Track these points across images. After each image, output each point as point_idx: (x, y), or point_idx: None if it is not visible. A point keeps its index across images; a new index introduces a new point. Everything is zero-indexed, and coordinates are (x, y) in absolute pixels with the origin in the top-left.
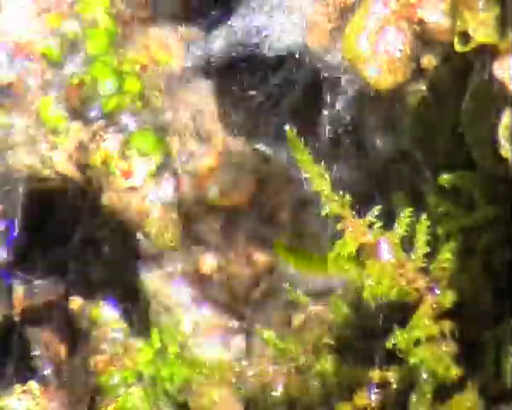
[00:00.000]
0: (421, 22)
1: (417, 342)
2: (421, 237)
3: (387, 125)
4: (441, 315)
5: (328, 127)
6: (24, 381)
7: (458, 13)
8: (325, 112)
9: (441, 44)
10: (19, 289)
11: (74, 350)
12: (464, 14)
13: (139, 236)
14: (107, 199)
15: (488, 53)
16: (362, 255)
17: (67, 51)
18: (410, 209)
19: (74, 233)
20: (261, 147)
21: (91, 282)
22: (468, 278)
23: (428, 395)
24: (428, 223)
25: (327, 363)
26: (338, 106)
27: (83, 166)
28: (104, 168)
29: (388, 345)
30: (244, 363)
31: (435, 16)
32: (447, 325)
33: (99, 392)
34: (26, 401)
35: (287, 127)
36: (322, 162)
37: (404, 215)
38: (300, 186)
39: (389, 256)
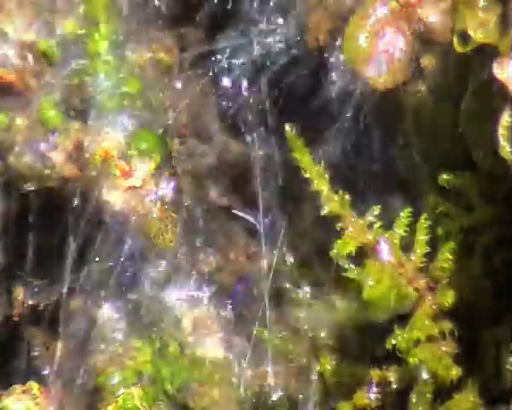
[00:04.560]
0: (420, 22)
1: (417, 342)
2: (421, 237)
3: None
4: (441, 315)
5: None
6: (24, 381)
7: (458, 13)
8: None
9: (441, 44)
10: (19, 289)
11: (74, 350)
12: (464, 14)
13: (139, 236)
14: (106, 199)
15: (488, 53)
16: (362, 255)
17: (68, 51)
18: (410, 209)
19: (74, 233)
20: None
21: (91, 282)
22: (468, 278)
23: (428, 395)
24: (428, 223)
25: (327, 363)
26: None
27: (83, 166)
28: (104, 168)
29: (388, 345)
30: (244, 363)
31: (435, 16)
32: (447, 325)
33: (99, 392)
34: (25, 401)
35: (287, 127)
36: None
37: (404, 215)
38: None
39: (389, 256)
